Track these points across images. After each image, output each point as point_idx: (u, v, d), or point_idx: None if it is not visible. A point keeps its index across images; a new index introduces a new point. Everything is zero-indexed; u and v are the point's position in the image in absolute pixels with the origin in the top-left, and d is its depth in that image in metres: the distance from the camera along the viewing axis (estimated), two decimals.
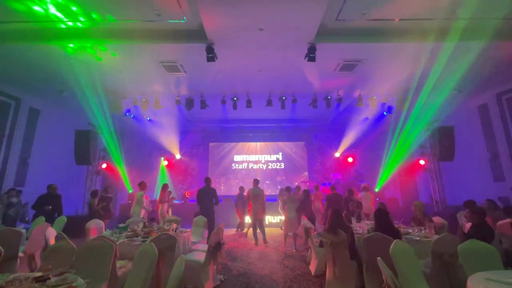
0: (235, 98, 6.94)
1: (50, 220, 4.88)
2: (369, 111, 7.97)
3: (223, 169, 11.03)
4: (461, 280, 2.56)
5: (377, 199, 8.43)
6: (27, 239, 3.90)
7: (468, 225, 3.75)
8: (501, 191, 6.22)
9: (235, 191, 8.49)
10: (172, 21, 4.21)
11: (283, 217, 6.50)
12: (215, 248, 3.65)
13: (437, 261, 2.85)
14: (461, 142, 6.96)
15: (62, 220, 4.99)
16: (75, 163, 7.25)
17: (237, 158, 11.15)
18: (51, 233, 4.03)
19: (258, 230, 6.32)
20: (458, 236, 3.46)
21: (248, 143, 11.24)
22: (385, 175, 9.41)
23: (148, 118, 8.80)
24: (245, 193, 7.67)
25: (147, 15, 4.05)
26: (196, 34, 4.40)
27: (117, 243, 3.15)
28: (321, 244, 3.57)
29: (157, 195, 9.67)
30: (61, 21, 4.11)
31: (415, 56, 5.03)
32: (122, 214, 7.93)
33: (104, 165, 8.47)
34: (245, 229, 7.56)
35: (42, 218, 4.87)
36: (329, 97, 6.88)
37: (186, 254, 3.89)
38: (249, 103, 6.92)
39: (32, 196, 5.97)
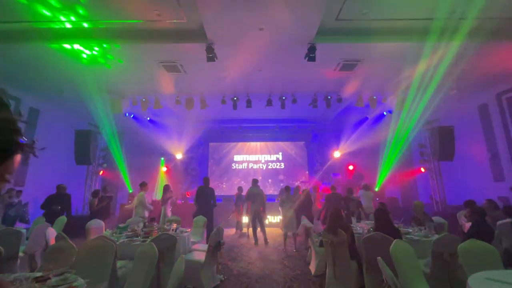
0: (235, 98, 6.93)
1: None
2: (369, 111, 7.98)
3: (223, 169, 11.03)
4: (461, 280, 2.56)
5: (377, 199, 8.44)
6: (27, 239, 3.90)
7: (468, 225, 3.75)
8: (501, 191, 6.22)
9: (235, 191, 8.50)
10: (172, 21, 4.20)
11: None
12: (215, 248, 3.65)
13: (437, 261, 2.86)
14: (461, 142, 6.96)
15: (62, 220, 4.99)
16: (75, 163, 7.25)
17: (237, 158, 11.15)
18: (51, 233, 4.03)
19: (258, 229, 6.33)
20: (458, 236, 3.46)
21: (248, 143, 11.23)
22: (383, 174, 9.43)
23: (148, 118, 8.80)
24: (243, 193, 7.72)
25: (147, 15, 4.05)
26: (196, 34, 4.40)
27: (117, 243, 3.15)
28: (321, 244, 3.57)
29: (157, 195, 9.69)
30: (61, 21, 4.11)
31: (414, 55, 5.03)
32: (122, 214, 7.94)
33: (104, 165, 8.47)
34: (244, 229, 7.59)
35: (42, 219, 4.87)
36: (329, 97, 6.88)
37: (186, 254, 3.89)
38: (249, 103, 6.92)
39: (32, 196, 5.98)
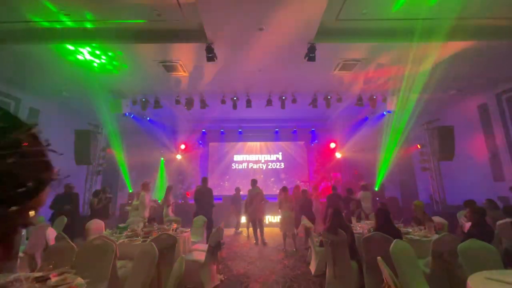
0: (235, 98, 6.93)
1: (72, 221, 4.90)
2: (369, 110, 7.97)
3: (223, 169, 11.03)
4: (461, 279, 2.56)
5: (377, 198, 8.44)
6: (27, 239, 3.90)
7: (467, 224, 3.76)
8: (501, 191, 6.22)
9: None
10: (172, 21, 4.20)
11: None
12: (215, 248, 3.65)
13: (437, 260, 2.86)
14: (461, 141, 6.96)
15: (62, 220, 4.99)
16: (75, 163, 7.24)
17: (237, 158, 11.15)
18: (52, 233, 4.03)
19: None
20: (458, 236, 3.47)
21: (248, 143, 11.23)
22: (382, 173, 9.45)
23: (148, 118, 8.80)
24: (241, 194, 7.84)
25: (147, 15, 4.04)
26: (196, 34, 4.40)
27: (117, 243, 3.15)
28: (321, 244, 3.57)
29: (157, 195, 9.69)
30: (61, 21, 4.11)
31: (414, 55, 5.03)
32: (122, 214, 7.94)
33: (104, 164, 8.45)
34: (240, 229, 7.64)
35: (41, 218, 4.87)
36: (329, 97, 6.88)
37: (186, 254, 3.90)
38: (249, 103, 6.91)
39: None
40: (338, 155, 10.68)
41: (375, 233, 3.12)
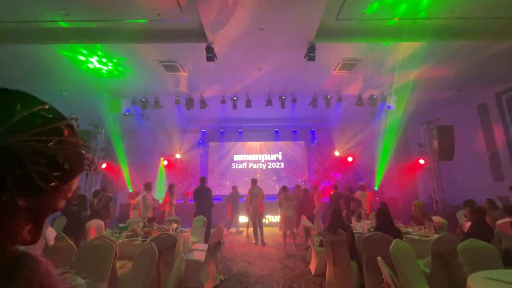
0: (235, 98, 6.93)
1: (77, 221, 4.90)
2: (369, 110, 7.97)
3: (223, 168, 11.02)
4: (461, 279, 2.56)
5: (377, 198, 8.45)
6: None
7: (467, 224, 3.75)
8: (501, 191, 6.23)
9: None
10: (172, 21, 4.20)
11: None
12: (215, 248, 3.65)
13: (437, 260, 2.86)
14: (460, 141, 6.96)
15: (62, 220, 4.99)
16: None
17: (237, 157, 11.14)
18: (51, 233, 4.03)
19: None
20: (457, 235, 3.47)
21: (248, 143, 11.23)
22: (380, 172, 9.48)
23: (148, 118, 8.79)
24: (238, 193, 7.92)
25: (146, 15, 4.04)
26: (195, 33, 4.39)
27: (117, 243, 3.15)
28: (321, 244, 3.58)
29: (157, 195, 9.69)
30: (60, 21, 4.10)
31: (414, 54, 5.03)
32: (122, 214, 7.94)
33: (104, 165, 8.47)
34: (240, 228, 7.66)
35: None
36: (328, 97, 6.88)
37: (186, 253, 3.90)
38: (249, 103, 6.91)
39: None
40: (337, 154, 10.69)
41: (375, 233, 3.12)
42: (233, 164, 11.08)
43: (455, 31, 4.34)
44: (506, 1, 3.81)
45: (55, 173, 0.46)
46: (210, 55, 4.48)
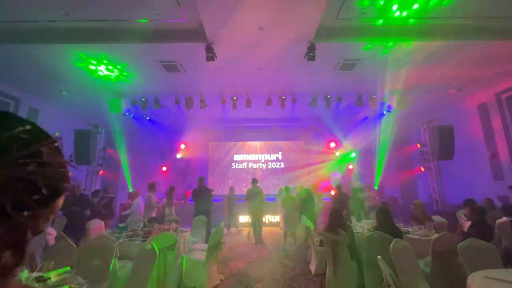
0: (234, 98, 6.93)
1: (77, 221, 4.89)
2: (369, 110, 7.97)
3: (223, 168, 11.02)
4: (461, 278, 2.56)
5: (377, 197, 8.44)
6: None
7: (467, 224, 3.76)
8: (501, 190, 6.23)
9: (237, 191, 8.55)
10: (172, 21, 4.20)
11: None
12: (215, 248, 3.65)
13: (437, 260, 2.86)
14: (460, 141, 6.96)
15: (62, 220, 4.99)
16: (75, 163, 7.25)
17: (237, 157, 11.14)
18: (51, 233, 4.03)
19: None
20: (457, 235, 3.47)
21: (248, 143, 11.22)
22: (379, 172, 9.49)
23: (148, 118, 8.80)
24: (235, 194, 7.99)
25: (146, 15, 4.04)
26: (195, 33, 4.39)
27: (117, 243, 3.15)
28: (321, 243, 3.58)
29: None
30: (60, 20, 4.10)
31: (414, 54, 5.03)
32: (122, 214, 7.94)
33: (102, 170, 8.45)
34: (233, 229, 7.70)
35: None
36: (328, 96, 6.87)
37: (186, 253, 3.90)
38: (248, 103, 6.91)
39: None
40: (337, 154, 10.69)
41: (375, 233, 3.12)
42: (233, 164, 11.08)
43: (456, 31, 4.33)
44: (506, 1, 3.81)
45: (35, 197, 0.44)
46: (210, 54, 4.48)
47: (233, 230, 7.81)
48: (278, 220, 8.05)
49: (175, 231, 4.09)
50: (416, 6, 3.90)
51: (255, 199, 6.24)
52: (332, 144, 10.64)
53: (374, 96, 6.90)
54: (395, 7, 3.94)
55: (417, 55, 5.03)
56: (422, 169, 8.19)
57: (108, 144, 8.82)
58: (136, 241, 3.56)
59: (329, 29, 4.36)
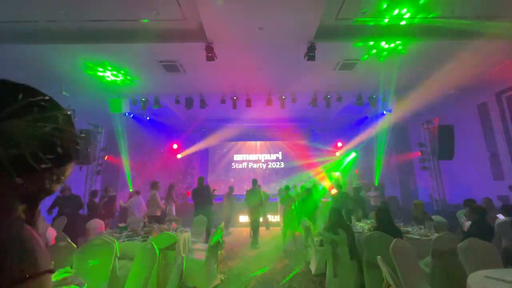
0: (234, 98, 6.92)
1: (72, 222, 4.89)
2: (369, 110, 7.97)
3: (223, 168, 11.02)
4: (461, 278, 2.56)
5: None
6: None
7: (467, 223, 3.76)
8: (501, 190, 6.23)
9: (238, 191, 8.57)
10: (172, 21, 4.19)
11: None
12: (215, 247, 3.65)
13: (437, 259, 2.86)
14: (460, 141, 6.96)
15: (62, 220, 4.99)
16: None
17: (237, 157, 11.14)
18: (51, 233, 4.03)
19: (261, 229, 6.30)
20: (457, 235, 3.47)
21: (248, 142, 11.22)
22: (378, 171, 9.50)
23: (148, 118, 8.80)
24: (233, 193, 8.03)
25: (146, 15, 4.04)
26: (195, 33, 4.39)
27: (118, 242, 3.15)
28: (321, 243, 3.58)
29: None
30: (59, 20, 4.10)
31: (414, 54, 5.03)
32: (122, 214, 7.94)
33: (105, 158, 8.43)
34: (232, 229, 7.72)
35: (41, 217, 4.87)
36: (328, 96, 6.87)
37: (186, 253, 3.90)
38: (248, 103, 6.91)
39: None
40: (337, 153, 10.69)
41: (375, 232, 3.12)
42: (233, 164, 11.08)
43: (456, 30, 4.33)
44: (506, 1, 3.81)
45: (48, 156, 0.50)
46: (210, 54, 4.48)
47: (232, 229, 7.81)
48: (278, 220, 8.06)
49: (175, 231, 4.09)
50: (417, 6, 3.90)
51: (253, 200, 6.15)
52: (332, 144, 10.64)
53: (374, 96, 6.90)
54: (396, 10, 3.94)
55: (417, 55, 5.03)
56: (422, 168, 8.18)
57: (108, 144, 8.82)
58: (136, 241, 3.56)
59: (329, 29, 4.36)
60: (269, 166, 11.09)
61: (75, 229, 4.87)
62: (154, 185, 6.11)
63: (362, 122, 9.39)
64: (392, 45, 4.86)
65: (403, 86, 6.48)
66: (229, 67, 5.51)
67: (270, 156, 11.19)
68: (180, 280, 3.31)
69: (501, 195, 6.09)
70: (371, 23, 4.33)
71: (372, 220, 4.64)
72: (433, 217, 4.45)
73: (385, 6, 3.91)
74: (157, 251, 2.52)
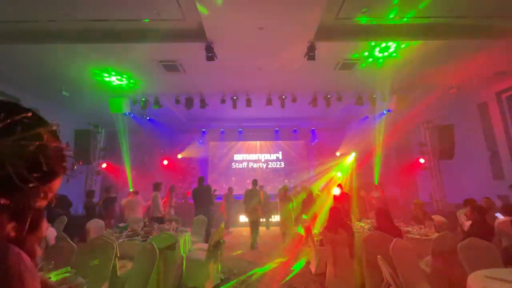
0: (234, 97, 6.92)
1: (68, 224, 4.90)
2: (369, 109, 7.96)
3: (223, 168, 11.02)
4: (461, 278, 2.56)
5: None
6: None
7: (468, 223, 3.76)
8: (501, 189, 6.23)
9: (239, 190, 8.58)
10: (172, 20, 4.19)
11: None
12: (215, 247, 3.65)
13: (437, 259, 2.86)
14: (460, 140, 6.96)
15: (62, 220, 4.99)
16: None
17: (237, 157, 11.14)
18: (52, 233, 4.02)
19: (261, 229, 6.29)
20: (458, 234, 3.47)
21: (248, 142, 11.22)
22: (377, 171, 9.50)
23: (148, 118, 8.79)
24: (233, 194, 8.09)
25: (146, 15, 4.03)
26: (195, 33, 4.39)
27: (118, 242, 3.15)
28: (321, 243, 3.58)
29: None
30: (59, 20, 4.10)
31: (414, 53, 5.03)
32: (122, 214, 7.94)
33: (104, 165, 8.46)
34: (232, 229, 7.73)
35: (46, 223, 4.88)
36: (329, 96, 6.87)
37: (186, 253, 3.90)
38: (248, 102, 6.90)
39: None
40: (337, 153, 10.69)
41: (375, 232, 3.12)
42: (233, 164, 11.07)
43: (455, 30, 4.33)
44: (506, 1, 3.80)
45: (35, 175, 0.50)
46: (210, 54, 4.48)
47: (232, 229, 7.81)
48: (278, 220, 8.06)
49: (175, 231, 4.09)
50: (417, 6, 3.89)
51: (252, 201, 6.08)
52: (332, 144, 10.63)
53: (374, 96, 6.90)
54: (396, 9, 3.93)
55: (417, 55, 5.03)
56: (422, 168, 8.17)
57: (108, 144, 8.82)
58: (136, 241, 3.56)
59: (329, 29, 4.36)
60: (269, 166, 11.09)
61: (71, 229, 4.86)
62: (156, 186, 6.11)
63: (362, 122, 9.38)
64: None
65: (403, 86, 6.47)
66: (229, 67, 5.51)
67: (270, 156, 11.19)
68: (180, 280, 3.32)
69: (501, 194, 6.09)
70: (372, 23, 4.33)
71: (372, 220, 4.64)
72: (433, 216, 4.45)
73: (385, 5, 3.91)
74: (157, 251, 2.52)
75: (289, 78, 6.14)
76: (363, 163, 10.23)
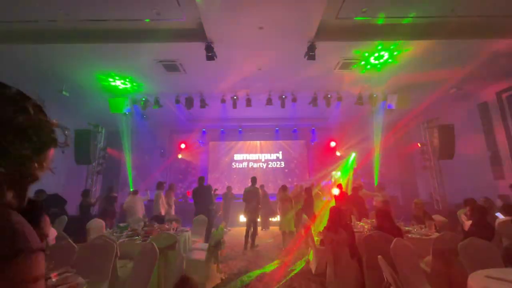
0: (234, 97, 6.92)
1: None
2: (369, 109, 7.96)
3: (223, 168, 11.02)
4: (461, 278, 2.56)
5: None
6: None
7: (468, 223, 3.75)
8: (501, 189, 6.23)
9: (239, 190, 8.58)
10: (172, 20, 4.19)
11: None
12: (215, 247, 3.65)
13: (438, 259, 2.86)
14: (461, 140, 6.95)
15: (63, 220, 5.00)
16: (75, 163, 7.24)
17: (237, 157, 11.13)
18: (52, 233, 4.02)
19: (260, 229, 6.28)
20: (458, 234, 3.46)
21: (248, 142, 11.22)
22: (376, 171, 9.50)
23: (148, 118, 8.78)
24: (233, 192, 8.12)
25: (146, 14, 4.03)
26: (195, 33, 4.39)
27: (118, 242, 3.15)
28: (321, 243, 3.58)
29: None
30: (59, 20, 4.10)
31: (414, 53, 5.02)
32: (122, 214, 7.95)
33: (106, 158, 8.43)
34: (230, 228, 7.73)
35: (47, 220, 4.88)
36: (329, 96, 6.86)
37: (186, 253, 3.90)
38: (249, 102, 6.90)
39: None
40: (337, 153, 10.68)
41: (375, 232, 3.12)
42: (233, 163, 11.07)
43: (456, 30, 4.32)
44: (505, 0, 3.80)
45: (26, 144, 0.54)
46: (210, 54, 4.48)
47: (232, 229, 7.81)
48: (278, 220, 8.05)
49: (175, 231, 4.09)
50: (417, 5, 3.89)
51: (251, 200, 5.92)
52: (333, 144, 10.63)
53: (375, 95, 6.90)
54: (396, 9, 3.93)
55: (417, 54, 5.02)
56: (423, 168, 8.18)
57: (109, 144, 8.81)
58: (137, 241, 3.56)
59: (329, 28, 4.36)
60: (269, 166, 11.09)
61: (66, 230, 4.85)
62: (159, 185, 6.21)
63: (361, 122, 9.37)
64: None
65: (403, 86, 6.47)
66: (229, 67, 5.51)
67: (271, 156, 11.18)
68: None
69: (501, 194, 6.08)
70: (372, 23, 4.33)
71: (372, 220, 4.63)
72: (433, 216, 4.45)
73: (385, 5, 3.90)
74: (157, 251, 2.51)
75: (289, 78, 6.14)
76: (363, 163, 10.22)
